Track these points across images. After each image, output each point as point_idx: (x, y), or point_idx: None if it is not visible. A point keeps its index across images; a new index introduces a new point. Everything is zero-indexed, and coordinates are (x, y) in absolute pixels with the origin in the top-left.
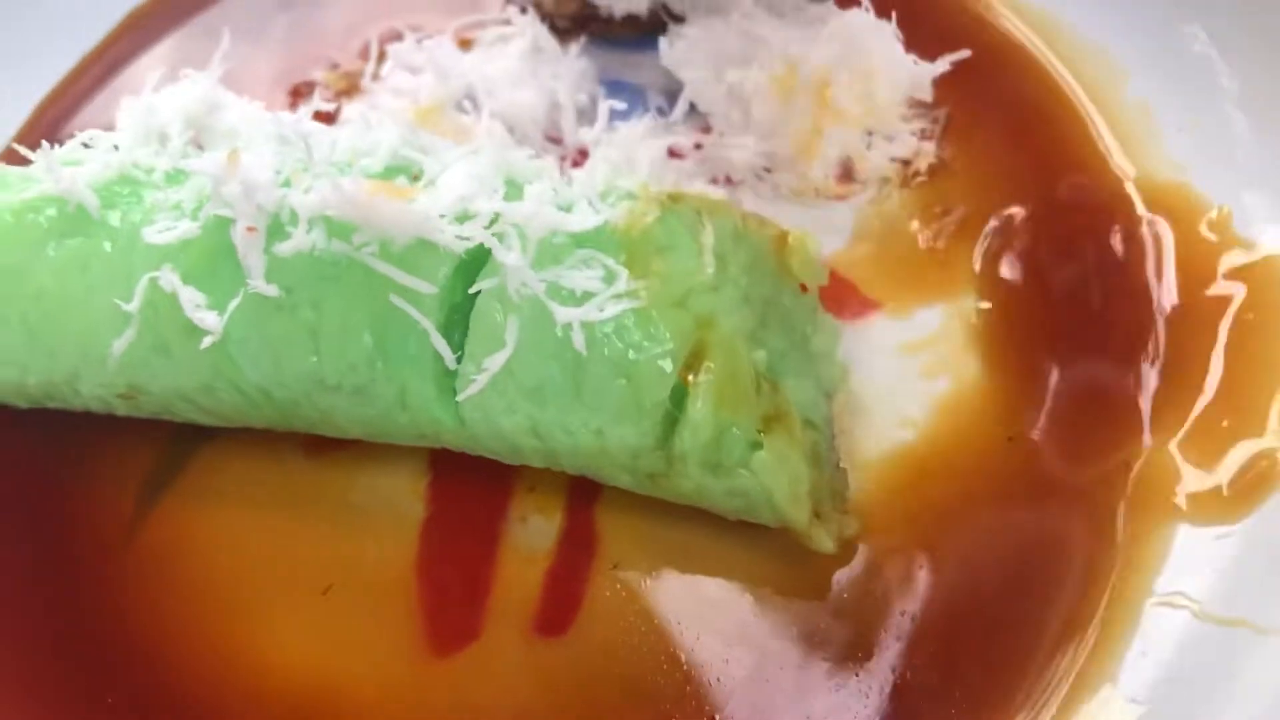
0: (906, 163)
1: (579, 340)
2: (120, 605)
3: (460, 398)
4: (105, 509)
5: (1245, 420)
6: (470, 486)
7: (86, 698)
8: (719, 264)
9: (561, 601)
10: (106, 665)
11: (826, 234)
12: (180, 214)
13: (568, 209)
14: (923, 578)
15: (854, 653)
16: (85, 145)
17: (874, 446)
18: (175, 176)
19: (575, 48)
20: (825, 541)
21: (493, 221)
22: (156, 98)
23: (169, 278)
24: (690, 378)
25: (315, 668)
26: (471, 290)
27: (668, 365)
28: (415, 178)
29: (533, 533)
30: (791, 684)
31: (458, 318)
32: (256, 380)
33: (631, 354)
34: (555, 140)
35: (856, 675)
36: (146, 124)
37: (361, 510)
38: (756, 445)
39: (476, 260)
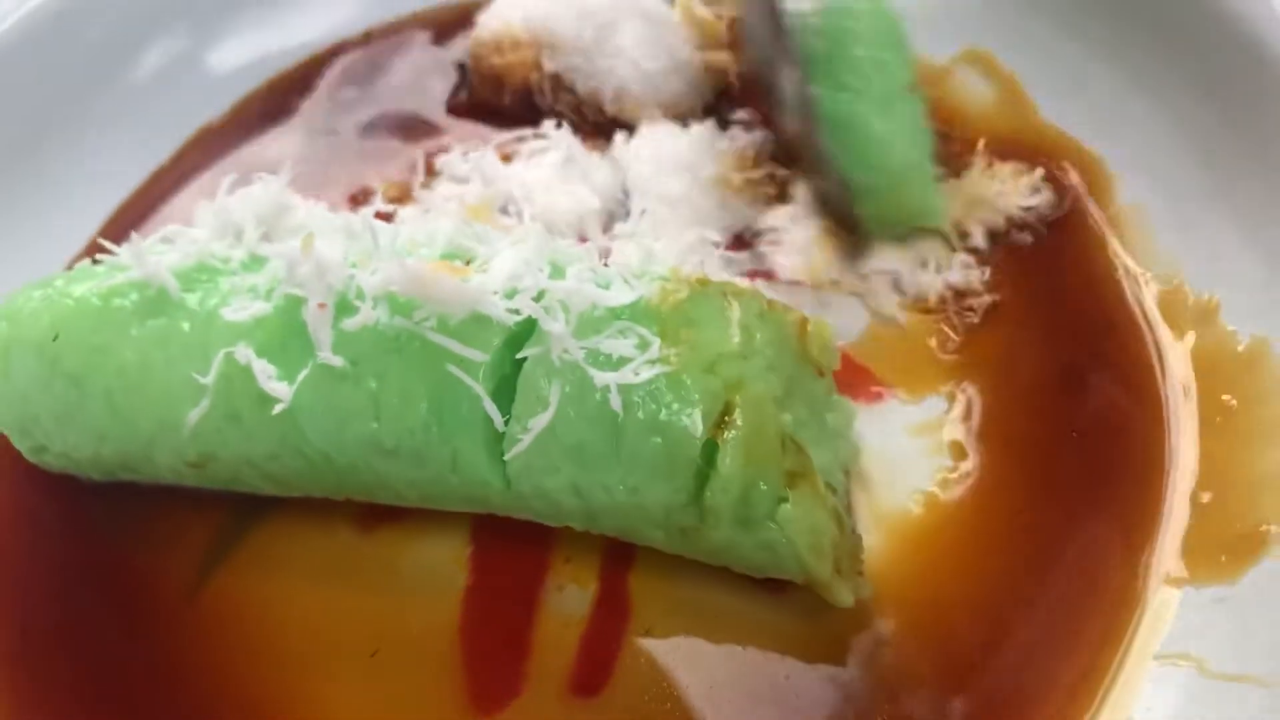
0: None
1: (616, 402)
2: (181, 665)
3: (508, 456)
4: (168, 577)
5: (1236, 497)
6: (510, 556)
7: None
8: (745, 336)
9: (596, 664)
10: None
11: (843, 323)
12: (255, 296)
13: (605, 287)
14: (935, 640)
15: (874, 712)
16: (164, 240)
17: (885, 517)
18: (250, 264)
19: (605, 156)
20: (845, 595)
21: (539, 297)
22: (231, 199)
23: (244, 352)
24: (720, 436)
25: None
26: (518, 356)
27: (698, 424)
28: (468, 263)
29: (569, 600)
30: None
31: (506, 386)
32: (320, 445)
33: (664, 414)
34: (587, 241)
35: None
36: (222, 221)
37: (407, 579)
38: (782, 499)
39: (524, 333)
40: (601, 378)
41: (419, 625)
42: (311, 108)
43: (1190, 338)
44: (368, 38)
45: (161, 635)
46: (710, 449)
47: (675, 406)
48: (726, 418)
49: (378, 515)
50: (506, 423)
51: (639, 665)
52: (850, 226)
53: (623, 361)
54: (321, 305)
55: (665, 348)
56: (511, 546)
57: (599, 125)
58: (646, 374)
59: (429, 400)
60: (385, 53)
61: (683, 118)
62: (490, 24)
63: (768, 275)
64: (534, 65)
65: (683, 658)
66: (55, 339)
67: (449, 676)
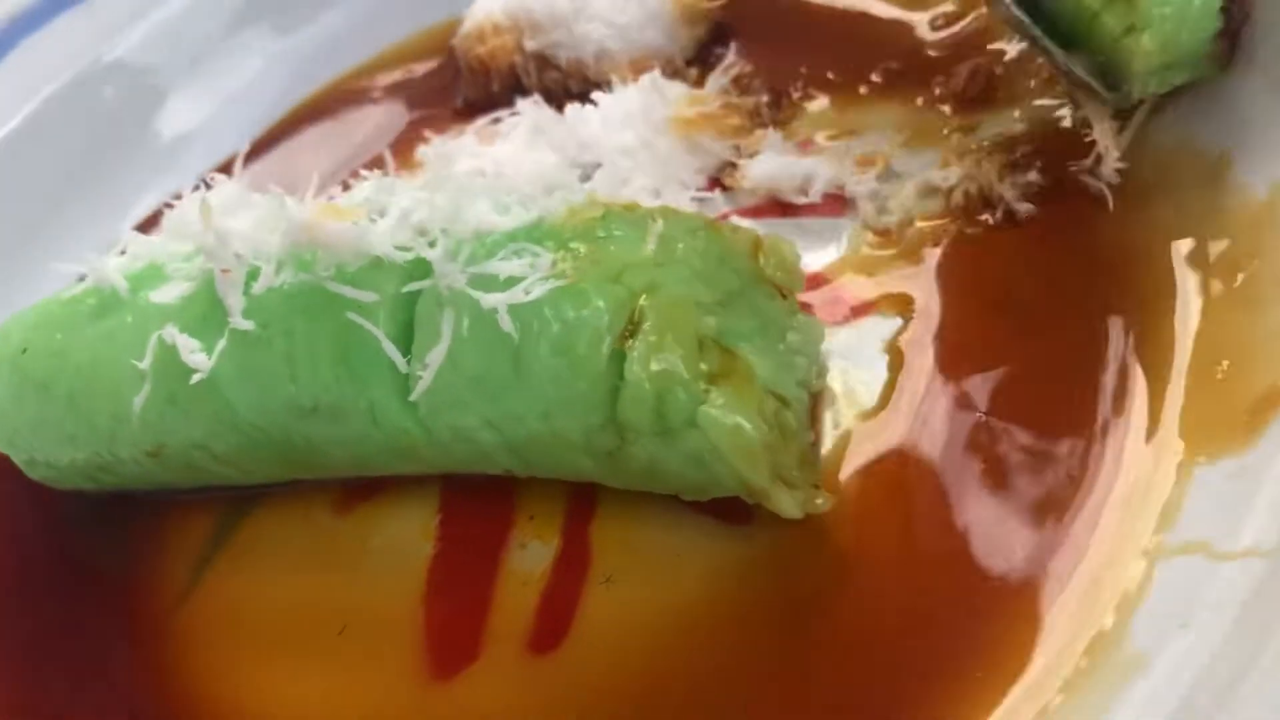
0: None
1: (506, 323)
2: (173, 660)
3: (413, 396)
4: (162, 584)
5: (1257, 357)
6: (475, 521)
7: None
8: (665, 247)
9: (555, 619)
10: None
11: (820, 246)
12: (185, 278)
13: (505, 213)
14: (912, 555)
15: (847, 635)
16: (123, 250)
17: (858, 433)
18: (191, 256)
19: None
20: (788, 504)
21: (423, 231)
22: (186, 201)
23: (169, 331)
24: (627, 344)
25: (329, 702)
26: (404, 290)
27: (600, 333)
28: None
29: (531, 557)
30: (782, 678)
31: (410, 330)
32: (248, 416)
33: (560, 329)
34: None
35: (856, 657)
36: (177, 223)
37: (377, 554)
38: (700, 400)
39: (423, 272)
40: (489, 299)
41: (385, 598)
42: (325, 127)
43: (1202, 199)
44: (372, 64)
45: (153, 642)
46: (618, 360)
47: (573, 319)
48: (633, 324)
49: (352, 497)
50: (409, 363)
51: (599, 615)
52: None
53: (513, 281)
54: (225, 270)
55: (562, 262)
56: (477, 511)
57: (584, 95)
58: (539, 290)
59: (335, 351)
60: (385, 75)
61: (666, 68)
62: (474, 17)
63: (744, 213)
64: (516, 48)
65: (643, 601)
66: (24, 351)
67: (410, 646)
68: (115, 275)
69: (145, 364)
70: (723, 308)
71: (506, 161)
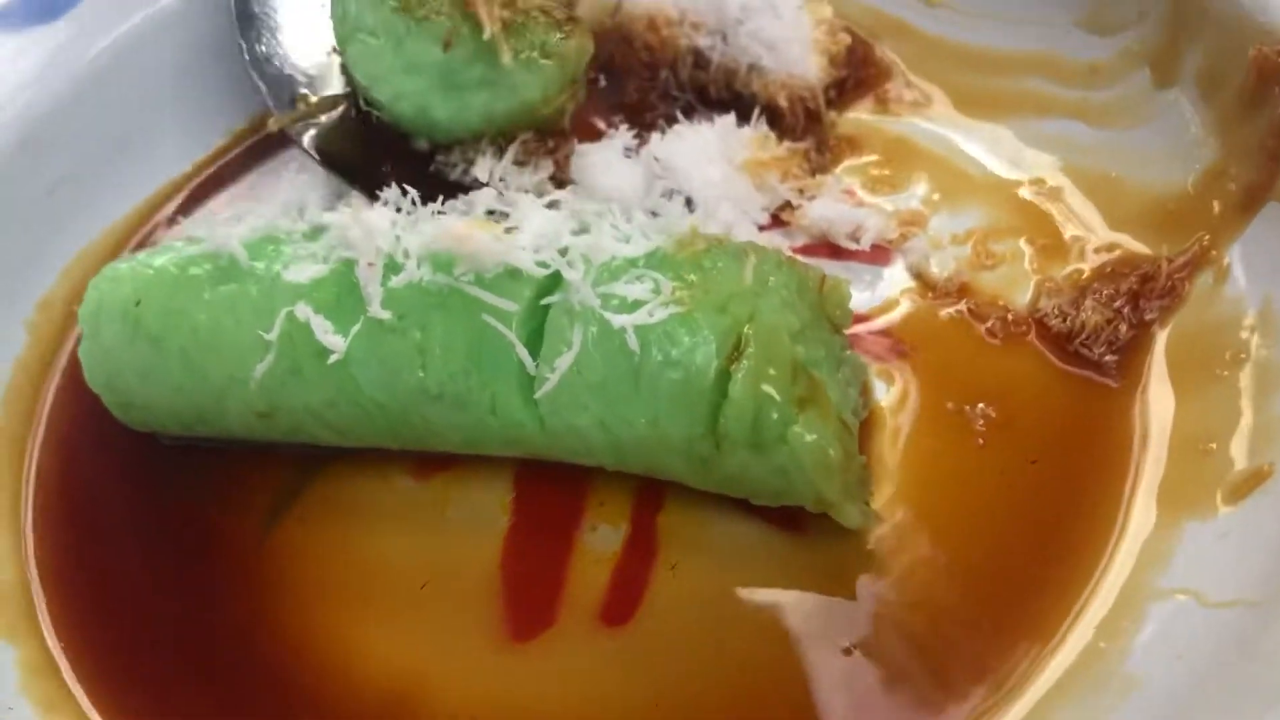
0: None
1: (632, 341)
2: (248, 607)
3: (538, 395)
4: (238, 528)
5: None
6: (548, 501)
7: (219, 693)
8: (760, 279)
9: (625, 595)
10: (236, 660)
11: (862, 289)
12: (314, 261)
13: (626, 241)
14: (943, 573)
15: (879, 635)
16: (235, 217)
17: (896, 465)
18: (311, 235)
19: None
20: (853, 515)
21: (563, 251)
22: (296, 178)
23: (303, 310)
24: (732, 366)
25: (410, 653)
26: (543, 303)
27: (710, 357)
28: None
29: (601, 539)
30: (832, 667)
31: (538, 336)
32: (372, 395)
33: (677, 351)
34: None
35: (884, 654)
36: (287, 199)
37: (455, 521)
38: (792, 422)
39: (554, 285)
40: (618, 320)
41: (464, 561)
42: None
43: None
44: None
45: (233, 580)
46: (723, 379)
47: (688, 342)
48: (738, 350)
49: (430, 465)
50: (536, 366)
51: (665, 597)
52: None
53: (638, 304)
54: (370, 264)
55: (679, 290)
56: (550, 491)
57: (722, 102)
58: (660, 315)
59: (468, 348)
60: None
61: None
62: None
63: (799, 250)
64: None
65: (706, 589)
66: (137, 304)
67: (489, 608)
68: (236, 245)
69: (272, 335)
70: (803, 336)
71: (594, 175)
